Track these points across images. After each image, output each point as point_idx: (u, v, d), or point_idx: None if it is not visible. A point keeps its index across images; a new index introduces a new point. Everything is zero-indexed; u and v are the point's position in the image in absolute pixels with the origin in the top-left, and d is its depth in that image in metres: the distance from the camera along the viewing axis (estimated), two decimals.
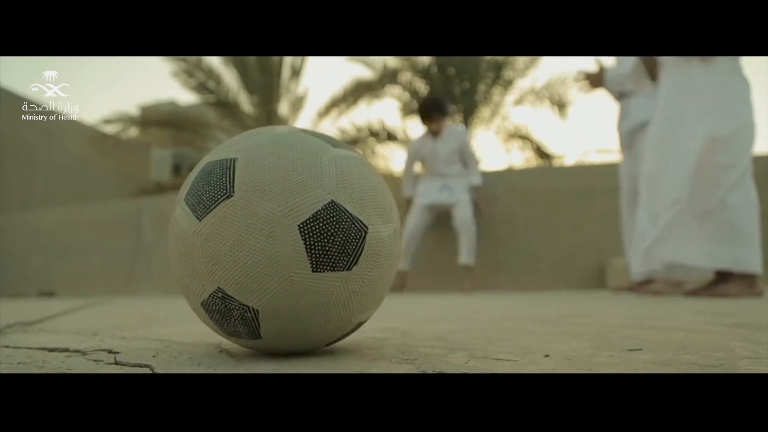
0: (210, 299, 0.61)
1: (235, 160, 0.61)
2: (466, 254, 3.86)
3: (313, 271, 0.58)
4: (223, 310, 0.61)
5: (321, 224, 0.58)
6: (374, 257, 0.62)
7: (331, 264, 0.58)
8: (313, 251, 0.57)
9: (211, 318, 0.63)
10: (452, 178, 3.99)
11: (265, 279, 0.57)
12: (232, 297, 0.59)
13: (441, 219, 4.28)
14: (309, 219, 0.57)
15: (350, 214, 0.59)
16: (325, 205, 0.58)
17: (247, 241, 0.57)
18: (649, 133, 2.58)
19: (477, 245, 3.90)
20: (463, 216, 3.87)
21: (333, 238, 0.58)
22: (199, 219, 0.59)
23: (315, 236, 0.57)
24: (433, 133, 3.97)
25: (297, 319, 0.60)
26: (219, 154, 0.64)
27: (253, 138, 0.65)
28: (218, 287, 0.59)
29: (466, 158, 4.01)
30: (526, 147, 9.98)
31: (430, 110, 3.96)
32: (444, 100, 4.11)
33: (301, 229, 0.57)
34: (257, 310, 0.59)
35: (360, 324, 0.69)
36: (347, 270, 0.59)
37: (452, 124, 4.09)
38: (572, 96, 9.20)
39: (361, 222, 0.60)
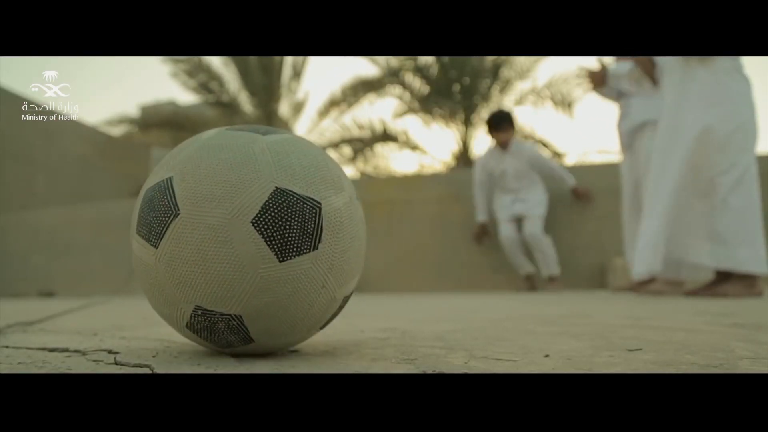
0: (192, 319, 0.61)
1: (170, 178, 0.61)
2: (545, 267, 3.83)
3: (280, 261, 0.57)
4: (209, 326, 0.61)
5: (273, 214, 0.57)
6: (336, 230, 0.61)
7: (295, 249, 0.58)
8: (273, 242, 0.57)
9: (200, 336, 0.63)
10: (524, 192, 3.93)
11: (237, 284, 0.57)
12: (212, 311, 0.59)
13: (438, 219, 4.27)
14: (260, 212, 0.57)
15: (299, 195, 0.59)
16: (271, 194, 0.58)
17: (207, 253, 0.57)
18: (656, 137, 2.58)
19: (555, 253, 3.85)
20: (532, 231, 3.81)
21: (289, 224, 0.57)
22: (156, 246, 0.59)
23: (271, 227, 0.57)
24: (502, 145, 3.91)
25: (281, 312, 0.60)
26: (154, 178, 0.63)
27: (182, 152, 0.64)
28: (196, 305, 0.59)
29: (546, 169, 3.95)
30: None
31: (500, 121, 3.89)
32: (510, 113, 4.04)
33: (255, 225, 0.57)
34: (240, 316, 0.59)
35: (346, 298, 0.68)
36: (314, 250, 0.59)
37: (518, 139, 4.01)
38: (576, 95, 9.18)
39: (312, 199, 0.60)
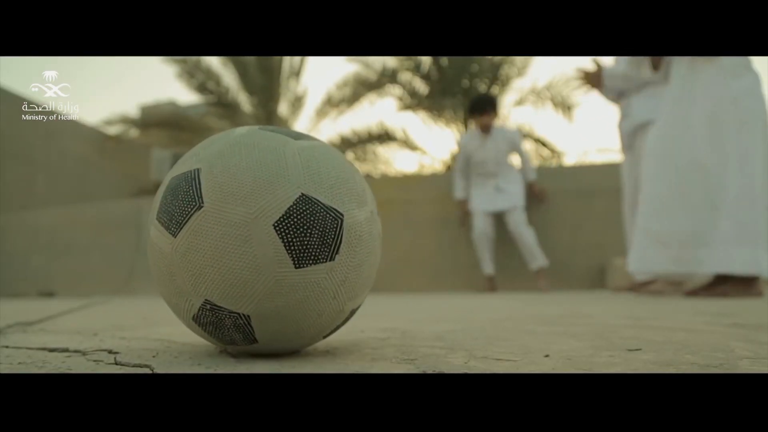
0: (200, 312, 0.61)
1: (198, 170, 0.60)
2: (532, 260, 3.84)
3: (296, 267, 0.57)
4: (215, 321, 0.60)
5: (296, 220, 0.57)
6: (355, 243, 0.61)
7: (312, 257, 0.57)
8: (292, 248, 0.56)
9: (204, 330, 0.63)
10: (504, 177, 3.93)
11: (250, 284, 0.57)
12: (220, 307, 0.59)
13: (443, 222, 4.27)
14: (283, 216, 0.56)
15: (323, 205, 0.59)
16: (296, 200, 0.57)
17: (225, 249, 0.56)
18: (653, 132, 2.55)
19: (538, 245, 3.86)
20: (516, 222, 3.82)
21: (310, 232, 0.57)
22: (174, 235, 0.59)
23: (292, 233, 0.57)
24: (483, 129, 3.92)
25: (289, 317, 0.60)
26: (182, 167, 0.63)
27: (213, 145, 0.64)
28: (205, 299, 0.59)
29: (521, 157, 4.01)
30: (529, 146, 9.97)
31: (484, 105, 3.92)
32: (494, 96, 4.07)
33: (277, 228, 0.56)
34: (248, 316, 0.59)
35: (353, 311, 0.68)
36: (330, 260, 0.59)
37: (501, 124, 4.06)
38: (575, 97, 9.17)
39: (336, 210, 0.59)
